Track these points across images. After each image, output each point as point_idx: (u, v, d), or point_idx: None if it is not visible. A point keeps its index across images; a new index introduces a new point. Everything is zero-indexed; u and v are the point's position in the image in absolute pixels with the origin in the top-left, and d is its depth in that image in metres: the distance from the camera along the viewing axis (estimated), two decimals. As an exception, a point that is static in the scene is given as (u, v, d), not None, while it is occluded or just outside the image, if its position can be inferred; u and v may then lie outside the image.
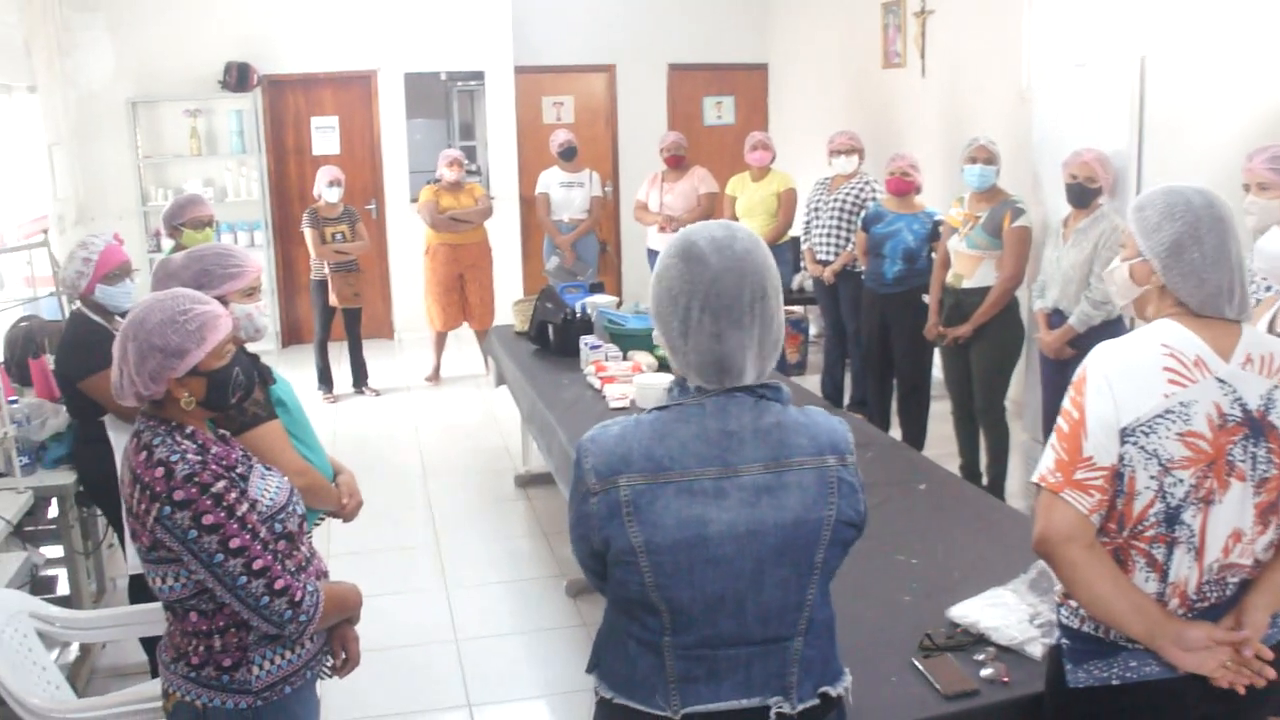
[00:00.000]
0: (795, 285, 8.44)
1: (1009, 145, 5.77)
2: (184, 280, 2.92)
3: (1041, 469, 2.21)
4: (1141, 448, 2.12)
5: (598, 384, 5.15)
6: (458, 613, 4.97)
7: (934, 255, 6.21)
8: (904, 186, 6.32)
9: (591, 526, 1.98)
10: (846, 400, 7.57)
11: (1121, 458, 2.13)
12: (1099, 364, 2.19)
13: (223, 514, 2.27)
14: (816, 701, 2.04)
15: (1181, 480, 2.13)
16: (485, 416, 8.08)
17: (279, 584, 2.32)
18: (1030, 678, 2.51)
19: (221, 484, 2.30)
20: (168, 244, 6.03)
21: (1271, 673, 2.16)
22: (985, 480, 5.84)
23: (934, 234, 6.19)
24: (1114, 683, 2.23)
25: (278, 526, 2.43)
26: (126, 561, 4.06)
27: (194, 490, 2.26)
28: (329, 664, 2.65)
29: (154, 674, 3.99)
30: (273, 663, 2.43)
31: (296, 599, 2.35)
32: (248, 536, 2.29)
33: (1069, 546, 2.14)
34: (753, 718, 2.00)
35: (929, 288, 6.21)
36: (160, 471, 2.27)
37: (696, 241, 1.95)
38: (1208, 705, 2.21)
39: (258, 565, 2.29)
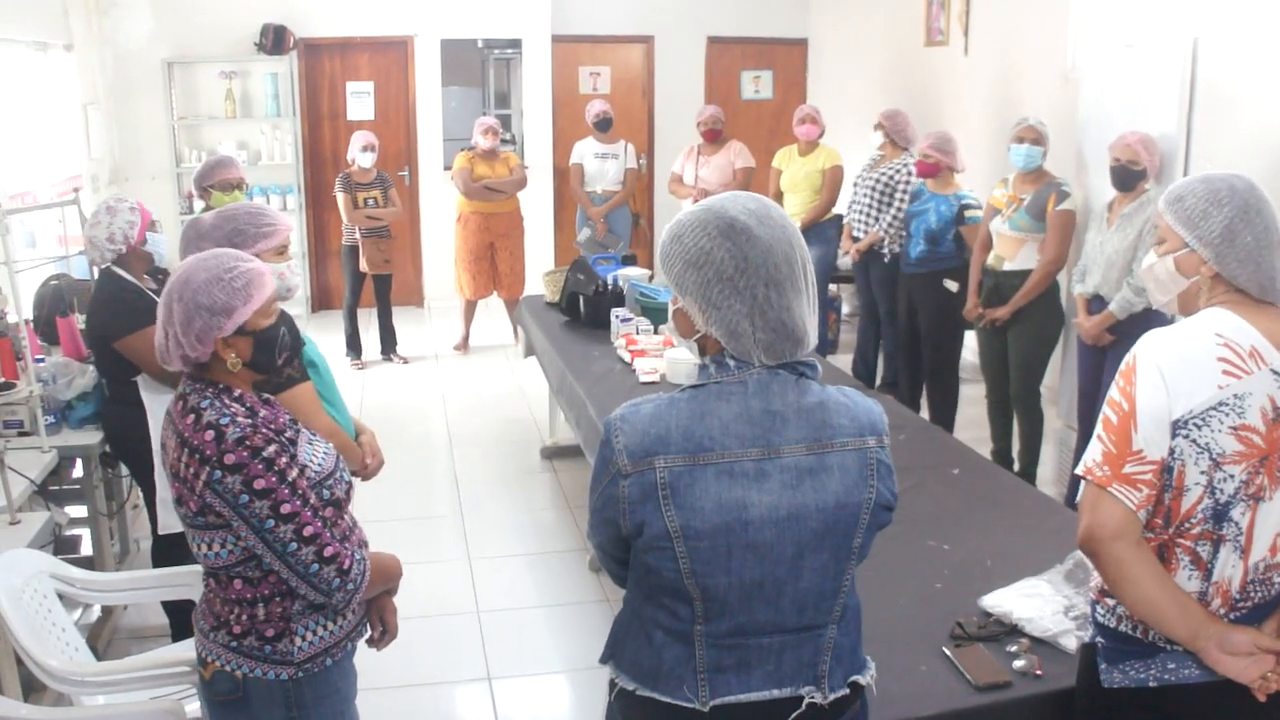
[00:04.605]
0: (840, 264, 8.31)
1: (1054, 127, 5.65)
2: (216, 240, 2.89)
3: (1088, 461, 2.13)
4: (1193, 441, 2.05)
5: (628, 357, 5.10)
6: (480, 584, 4.95)
7: (961, 239, 6.14)
8: (925, 169, 6.23)
9: (621, 510, 1.90)
10: (878, 381, 7.50)
11: (1172, 451, 2.06)
12: (1150, 353, 2.11)
13: (274, 478, 2.23)
14: (846, 691, 1.99)
15: (1232, 476, 2.06)
16: (513, 387, 8.05)
17: (328, 551, 2.29)
18: (1064, 671, 2.45)
19: (273, 448, 2.26)
20: (199, 205, 6.03)
21: None
22: (1017, 467, 5.77)
23: (959, 218, 6.09)
24: (1151, 684, 2.16)
25: (325, 493, 2.40)
26: (151, 524, 4.05)
27: (245, 454, 2.22)
28: (367, 636, 2.62)
29: (175, 638, 3.99)
30: (315, 634, 2.40)
31: (345, 567, 2.32)
32: (298, 502, 2.26)
33: (1116, 544, 2.07)
34: (783, 709, 1.94)
35: (952, 273, 6.12)
36: (210, 435, 2.23)
37: (736, 217, 1.85)
38: (1246, 710, 2.13)
39: (308, 532, 2.26)
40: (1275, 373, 2.07)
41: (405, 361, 8.73)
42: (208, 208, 5.36)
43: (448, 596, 4.84)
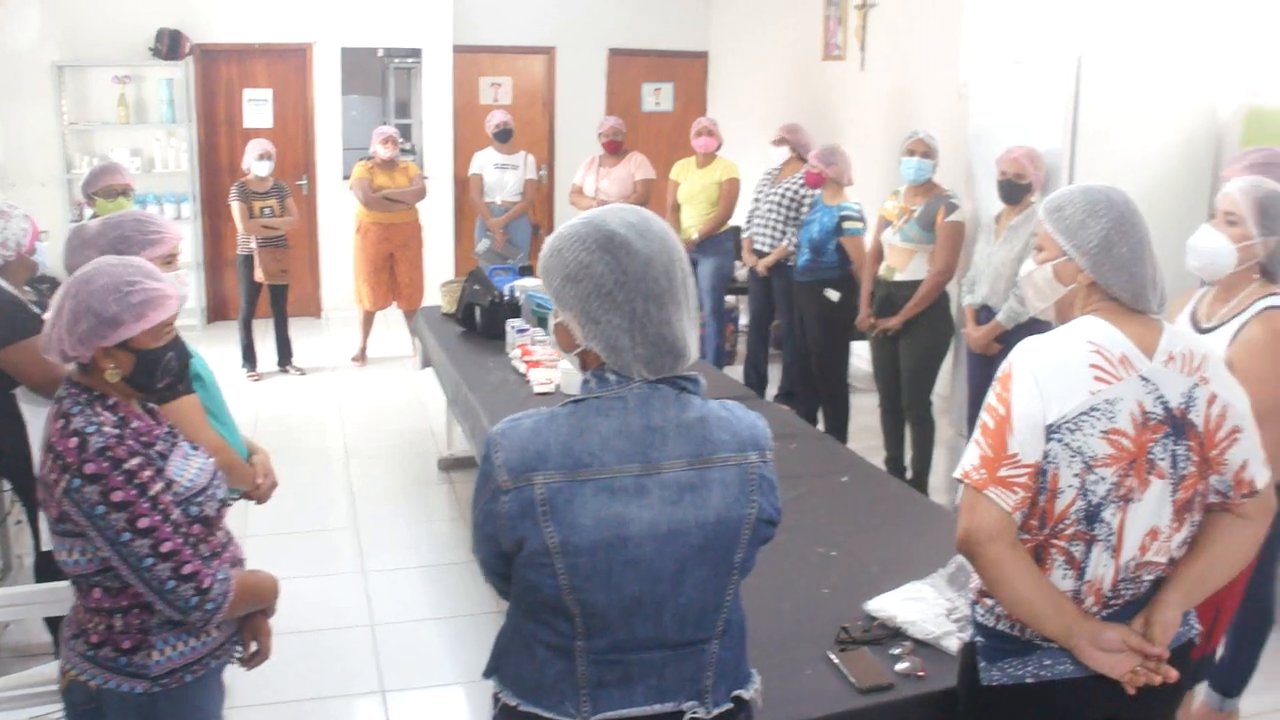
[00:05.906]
0: (738, 275, 8.38)
1: (945, 140, 5.78)
2: (101, 247, 2.82)
3: (965, 465, 2.18)
4: (1066, 445, 2.11)
5: (523, 368, 5.09)
6: (374, 597, 4.89)
7: (843, 250, 6.22)
8: (811, 179, 6.36)
9: (501, 526, 1.87)
10: (775, 391, 7.57)
11: (1046, 455, 2.12)
12: (1025, 360, 2.17)
13: (134, 492, 2.18)
14: (730, 705, 1.99)
15: (1103, 478, 2.12)
16: (410, 398, 7.98)
17: (187, 569, 2.24)
18: (946, 672, 2.50)
19: (136, 460, 2.21)
20: (89, 213, 5.90)
21: (1174, 674, 2.17)
22: (909, 474, 5.86)
23: (838, 228, 6.19)
24: (1028, 681, 2.22)
25: (194, 509, 2.34)
26: (34, 539, 3.94)
27: (105, 465, 2.17)
28: (238, 654, 2.57)
29: (57, 655, 3.89)
30: (174, 649, 2.35)
31: (204, 586, 2.26)
32: (158, 518, 2.21)
33: (993, 545, 2.12)
34: None
35: (834, 283, 6.21)
36: (74, 442, 2.19)
37: (615, 230, 1.85)
38: (1118, 704, 2.21)
39: (166, 548, 2.21)
40: (1144, 379, 2.14)
41: (302, 373, 8.60)
42: (95, 215, 5.25)
43: (342, 610, 4.77)
